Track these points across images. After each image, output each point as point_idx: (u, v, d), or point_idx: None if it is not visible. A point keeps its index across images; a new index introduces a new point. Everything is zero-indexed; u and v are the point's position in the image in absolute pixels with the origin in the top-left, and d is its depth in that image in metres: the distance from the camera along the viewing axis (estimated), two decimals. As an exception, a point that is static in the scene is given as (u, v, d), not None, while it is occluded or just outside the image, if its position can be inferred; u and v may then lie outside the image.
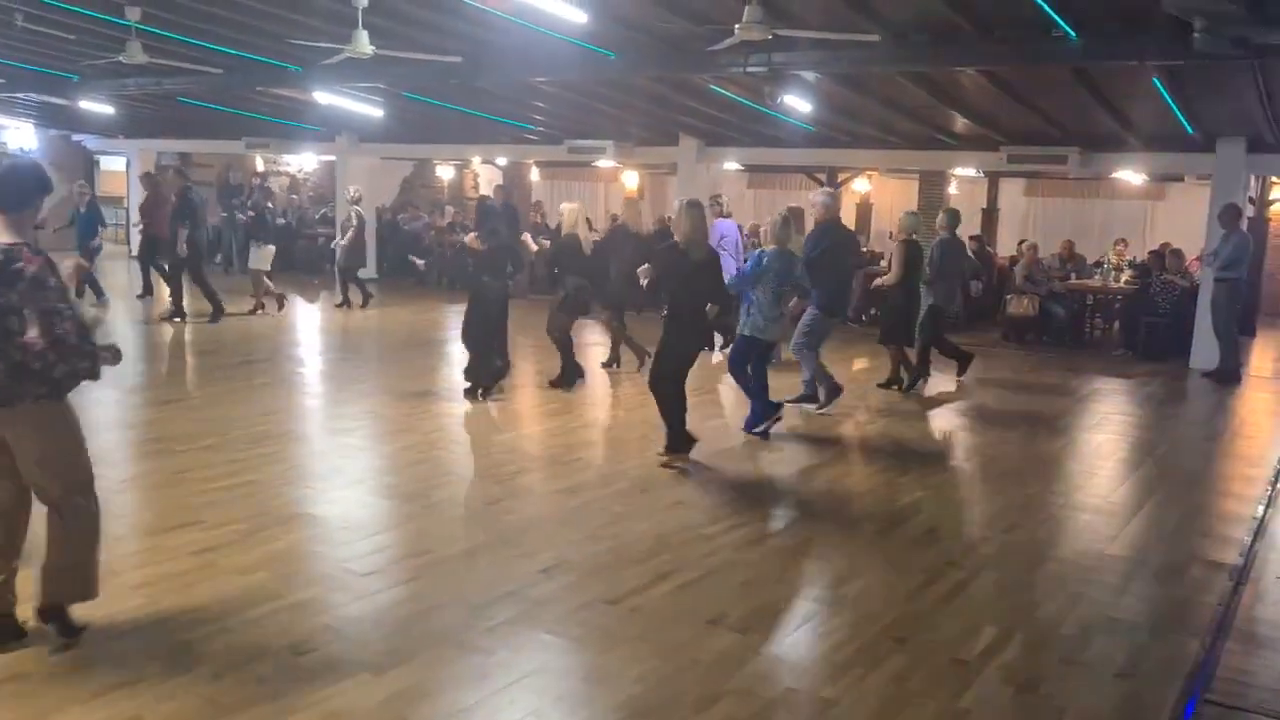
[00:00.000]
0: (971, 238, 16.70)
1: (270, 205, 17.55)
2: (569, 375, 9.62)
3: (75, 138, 21.75)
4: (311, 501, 6.16)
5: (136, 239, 16.76)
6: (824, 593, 5.06)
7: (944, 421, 9.63)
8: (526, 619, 4.55)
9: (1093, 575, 5.47)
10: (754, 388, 8.09)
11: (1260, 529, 6.29)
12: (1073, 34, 7.89)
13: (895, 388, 10.34)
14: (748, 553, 5.59)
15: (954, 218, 10.62)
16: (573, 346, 9.78)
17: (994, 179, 18.52)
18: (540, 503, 6.36)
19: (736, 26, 7.36)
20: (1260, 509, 6.70)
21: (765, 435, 7.99)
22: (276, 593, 4.73)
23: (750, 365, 8.10)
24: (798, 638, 4.53)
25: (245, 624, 4.37)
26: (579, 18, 8.04)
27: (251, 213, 15.22)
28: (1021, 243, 15.86)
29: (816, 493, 6.83)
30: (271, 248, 14.10)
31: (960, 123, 12.44)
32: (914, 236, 10.27)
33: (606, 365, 10.72)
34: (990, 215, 19.30)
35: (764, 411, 8.04)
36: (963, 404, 10.36)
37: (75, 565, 4.03)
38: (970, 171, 15.65)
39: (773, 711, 3.86)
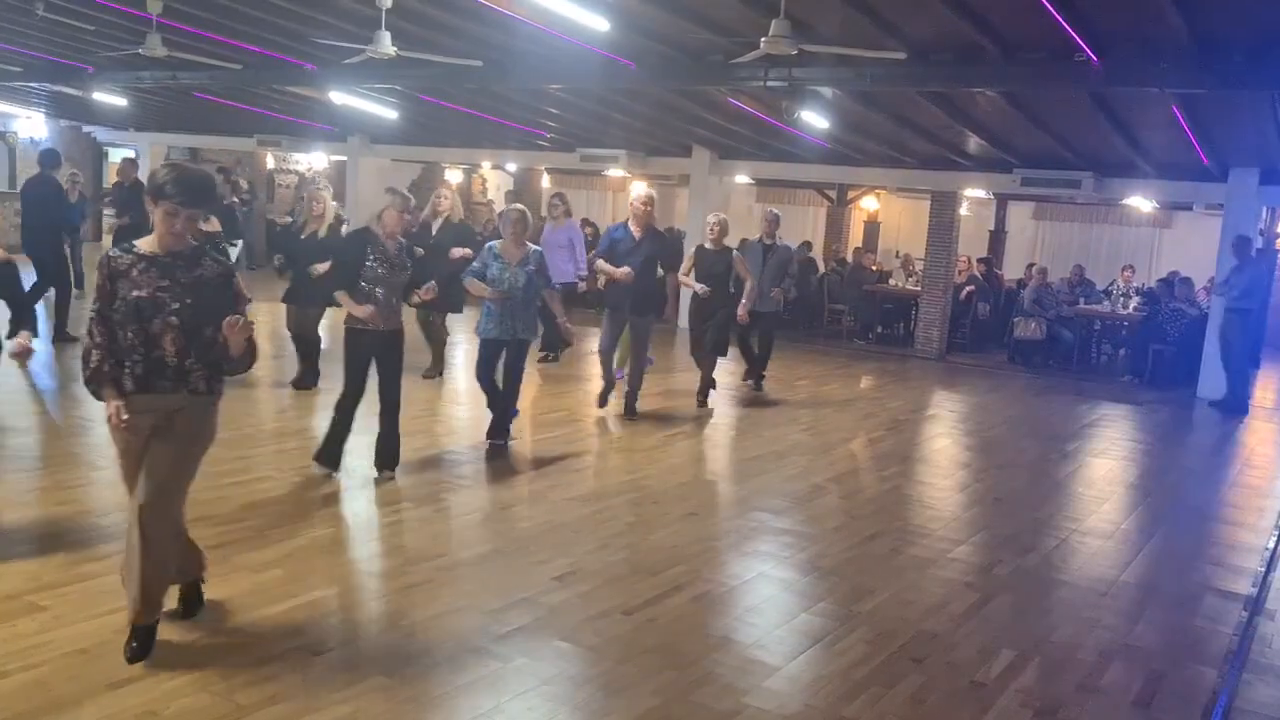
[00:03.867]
0: (979, 260, 16.76)
1: (238, 199, 17.45)
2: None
3: (86, 129, 21.74)
4: (324, 500, 6.13)
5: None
6: (838, 609, 5.02)
7: (954, 442, 9.62)
8: (542, 626, 4.53)
9: (1106, 601, 5.46)
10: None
11: (1273, 560, 6.27)
12: (1095, 58, 7.90)
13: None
14: (760, 566, 5.57)
15: None
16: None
17: (1003, 201, 18.56)
18: (554, 509, 6.33)
19: (762, 40, 7.36)
20: (1272, 540, 6.68)
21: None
22: (291, 591, 4.70)
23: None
24: (813, 654, 4.49)
25: (259, 622, 4.34)
26: (601, 26, 8.05)
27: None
28: (1030, 266, 15.90)
29: (827, 509, 6.81)
30: (239, 243, 14.01)
31: (974, 143, 12.46)
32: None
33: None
34: (998, 237, 19.33)
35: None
36: (972, 424, 10.35)
37: None
38: (980, 193, 15.67)
39: (791, 728, 3.83)
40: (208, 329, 3.91)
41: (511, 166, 19.81)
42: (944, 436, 9.88)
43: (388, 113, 14.23)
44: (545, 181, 22.72)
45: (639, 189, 8.98)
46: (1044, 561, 6.02)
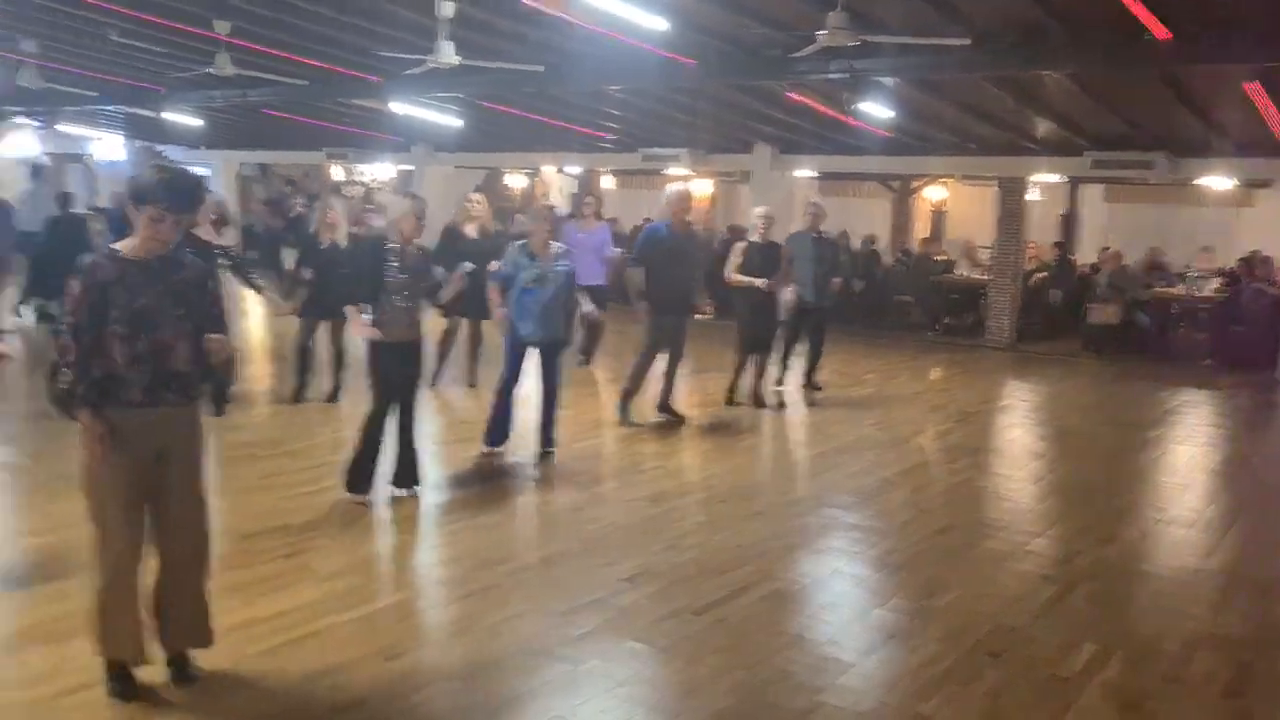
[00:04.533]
0: (1052, 245, 16.43)
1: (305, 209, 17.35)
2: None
3: (160, 149, 22.32)
4: (390, 509, 6.20)
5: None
6: (913, 605, 4.96)
7: (1026, 432, 9.45)
8: (613, 628, 4.54)
9: (1191, 591, 5.32)
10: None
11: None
12: (1164, 36, 7.69)
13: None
14: (830, 563, 5.52)
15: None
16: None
17: (1074, 185, 18.16)
18: (621, 510, 6.35)
19: (821, 33, 7.30)
20: (1366, 526, 6.46)
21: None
22: (365, 597, 4.78)
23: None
24: (888, 651, 4.44)
25: (335, 627, 4.41)
26: (659, 25, 8.04)
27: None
28: (1104, 250, 15.53)
29: (897, 504, 6.72)
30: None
31: (1042, 127, 12.21)
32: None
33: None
34: (1069, 222, 18.94)
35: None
36: (1045, 414, 10.16)
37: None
38: (1051, 177, 15.35)
39: (866, 726, 3.80)
40: (204, 333, 3.81)
41: (574, 169, 19.88)
42: (1016, 427, 9.71)
43: (451, 121, 14.37)
44: (608, 183, 22.78)
45: (676, 188, 8.60)
46: (1125, 552, 5.89)
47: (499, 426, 7.25)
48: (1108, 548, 5.92)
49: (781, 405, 9.44)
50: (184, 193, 3.74)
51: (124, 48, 11.37)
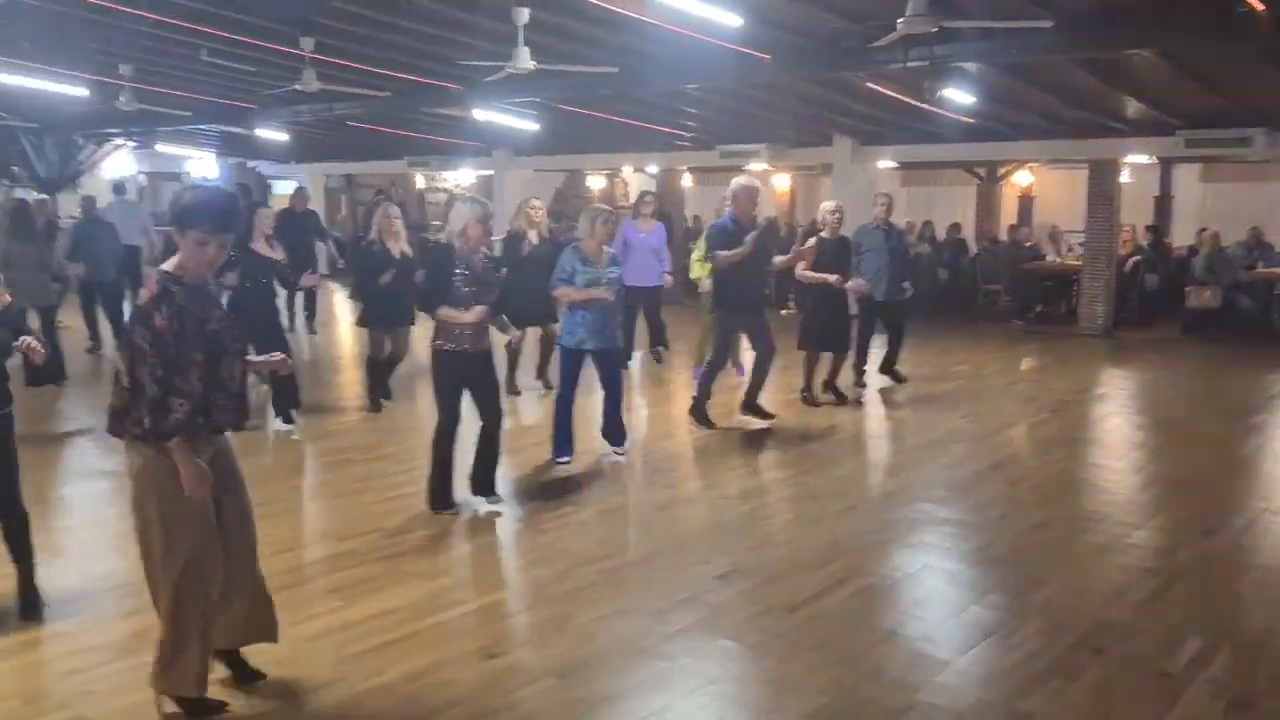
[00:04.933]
0: (1147, 228, 15.97)
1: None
2: None
3: (251, 164, 22.98)
4: (486, 510, 6.29)
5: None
6: (1010, 600, 4.88)
7: (1125, 422, 9.21)
8: (706, 626, 4.55)
9: (1304, 584, 5.14)
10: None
11: None
12: (1260, 7, 7.42)
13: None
14: (923, 558, 5.46)
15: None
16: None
17: (1167, 165, 17.63)
18: (711, 509, 6.36)
19: (899, 21, 7.21)
20: None
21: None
22: (462, 597, 4.87)
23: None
24: (985, 647, 4.37)
25: (433, 628, 4.50)
26: (734, 22, 8.03)
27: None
28: (1201, 231, 15.04)
29: (992, 497, 6.61)
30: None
31: (1133, 107, 11.88)
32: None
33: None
34: (1164, 203, 18.39)
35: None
36: (1144, 402, 9.89)
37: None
38: (1142, 158, 14.90)
39: (965, 723, 3.75)
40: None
41: (653, 168, 19.92)
42: (1114, 416, 9.47)
43: (529, 125, 14.53)
44: (686, 181, 22.76)
45: (741, 181, 8.29)
46: (1231, 543, 5.71)
47: (563, 437, 7.18)
48: (1212, 539, 5.75)
49: (860, 401, 9.30)
50: (226, 213, 3.66)
51: (215, 67, 11.73)
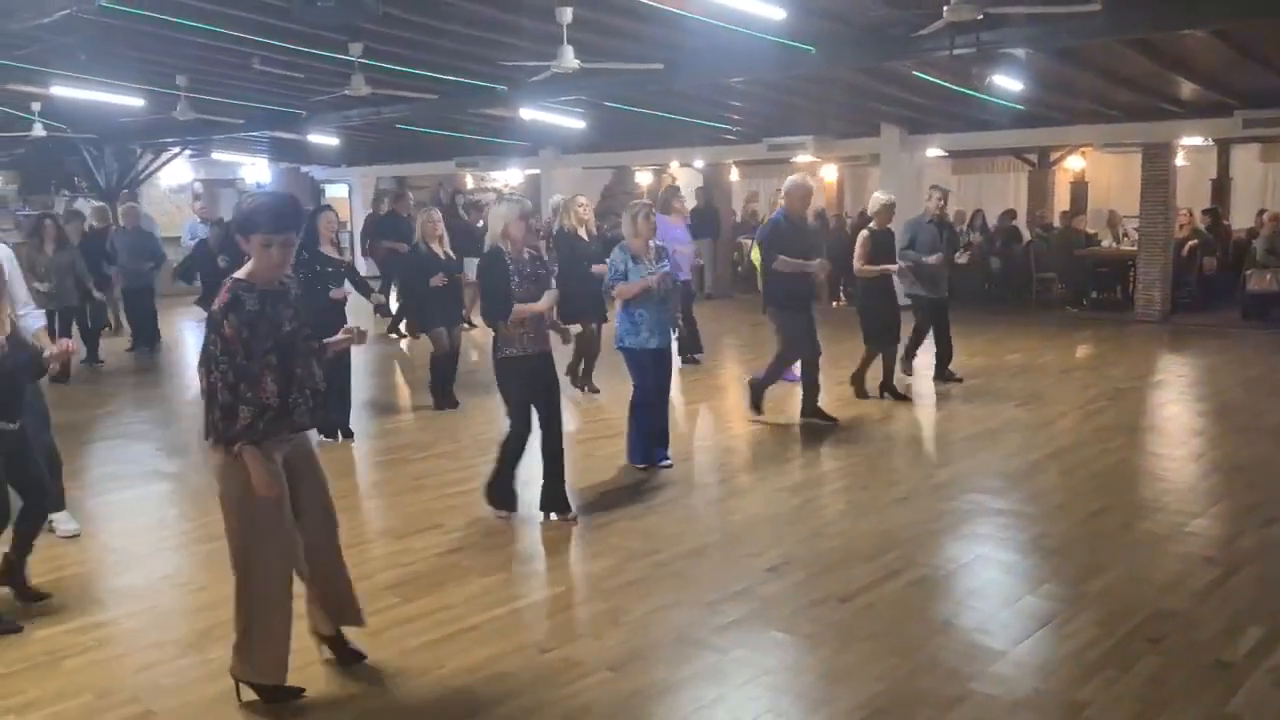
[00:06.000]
0: (1204, 211, 15.65)
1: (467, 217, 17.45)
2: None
3: (303, 169, 23.31)
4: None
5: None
6: (1066, 590, 4.84)
7: (1184, 409, 9.06)
8: (758, 617, 4.58)
9: (1369, 571, 5.03)
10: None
11: None
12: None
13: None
14: (977, 548, 5.43)
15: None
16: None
17: (1224, 146, 17.26)
18: (763, 501, 6.37)
19: (945, 8, 7.15)
20: None
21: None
22: (518, 593, 4.94)
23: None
24: (1041, 637, 4.35)
25: (489, 621, 4.57)
26: (777, 14, 8.01)
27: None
28: (1261, 213, 14.73)
29: (1048, 486, 6.56)
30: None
31: (1188, 89, 11.66)
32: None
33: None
34: (1221, 186, 18.00)
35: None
36: (1203, 389, 9.72)
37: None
38: (1198, 140, 14.62)
39: (1020, 713, 3.73)
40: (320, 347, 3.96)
41: (699, 163, 19.92)
42: (1173, 403, 9.32)
43: (575, 123, 14.60)
44: (733, 175, 22.71)
45: (794, 178, 8.16)
46: (1294, 531, 5.61)
47: (643, 442, 7.00)
48: (1274, 528, 5.65)
49: (905, 398, 9.07)
50: (285, 215, 3.73)
51: (266, 75, 11.92)
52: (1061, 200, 19.43)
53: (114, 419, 9.26)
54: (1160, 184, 13.70)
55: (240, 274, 3.71)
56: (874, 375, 9.08)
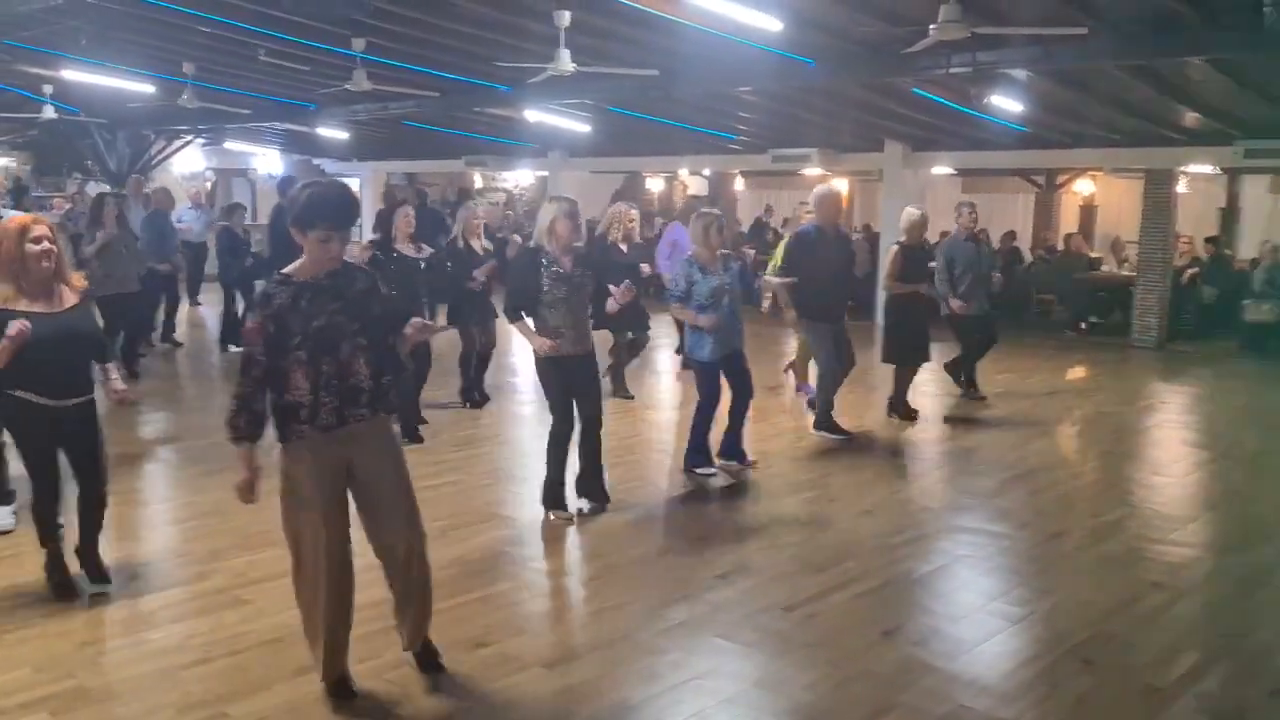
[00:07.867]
0: (1207, 240, 15.60)
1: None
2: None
3: (315, 161, 23.44)
4: (508, 503, 6.41)
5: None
6: (1013, 609, 4.85)
7: (1163, 435, 9.04)
8: (702, 623, 4.60)
9: (1320, 603, 5.03)
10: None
11: None
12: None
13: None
14: (934, 563, 5.45)
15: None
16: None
17: (1234, 175, 17.20)
18: (724, 509, 6.40)
19: (932, 26, 7.18)
20: None
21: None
22: (466, 588, 4.96)
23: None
24: (979, 654, 4.36)
25: (435, 615, 4.58)
26: (773, 26, 8.03)
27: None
28: (1264, 243, 14.68)
29: (1016, 505, 6.56)
30: None
31: (1189, 117, 11.65)
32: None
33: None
34: (1230, 214, 17.95)
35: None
36: (1190, 417, 9.70)
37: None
38: (1205, 168, 14.57)
39: (943, 728, 3.75)
40: (389, 340, 3.83)
41: (707, 171, 19.97)
42: (1154, 430, 9.29)
43: (579, 126, 14.65)
44: (739, 185, 22.77)
45: (824, 188, 8.07)
46: (1251, 562, 5.59)
47: (704, 449, 6.97)
48: (1228, 557, 5.65)
49: (912, 418, 8.83)
50: (344, 208, 3.63)
51: (273, 66, 12.02)
52: (1069, 223, 19.40)
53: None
54: (1161, 210, 13.65)
55: (288, 270, 3.67)
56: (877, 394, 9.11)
